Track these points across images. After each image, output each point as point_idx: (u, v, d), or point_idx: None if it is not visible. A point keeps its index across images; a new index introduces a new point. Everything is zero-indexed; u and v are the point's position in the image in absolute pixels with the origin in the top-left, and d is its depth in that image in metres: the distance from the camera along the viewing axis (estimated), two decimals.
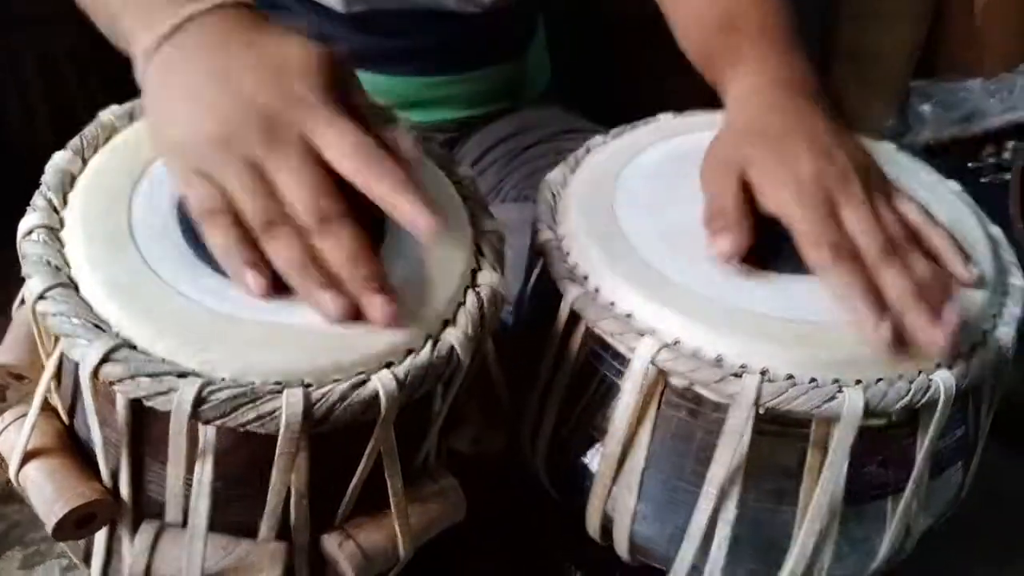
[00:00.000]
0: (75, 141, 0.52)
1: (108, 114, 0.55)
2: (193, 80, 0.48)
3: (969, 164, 1.25)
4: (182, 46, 0.49)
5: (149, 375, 0.43)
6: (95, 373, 0.44)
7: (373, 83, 0.87)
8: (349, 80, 0.52)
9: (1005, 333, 0.56)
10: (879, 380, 0.51)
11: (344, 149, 0.47)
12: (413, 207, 0.47)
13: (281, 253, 0.47)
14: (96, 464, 0.50)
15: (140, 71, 0.50)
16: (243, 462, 0.47)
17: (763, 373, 0.51)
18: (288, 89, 0.48)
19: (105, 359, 0.43)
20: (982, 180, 1.21)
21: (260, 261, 0.47)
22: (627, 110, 0.72)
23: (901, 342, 0.52)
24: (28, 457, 0.50)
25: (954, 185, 0.67)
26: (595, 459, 0.58)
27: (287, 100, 0.48)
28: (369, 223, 0.49)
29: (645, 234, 0.58)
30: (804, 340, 0.52)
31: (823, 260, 0.53)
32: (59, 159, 0.51)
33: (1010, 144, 1.21)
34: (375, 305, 0.47)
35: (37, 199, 0.49)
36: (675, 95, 0.73)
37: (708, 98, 0.68)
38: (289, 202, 0.47)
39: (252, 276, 0.47)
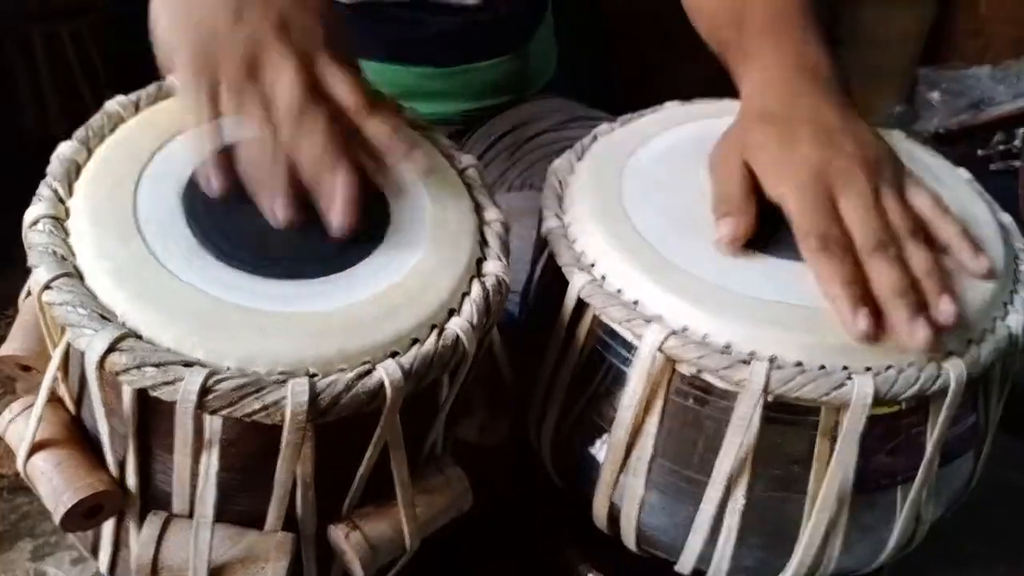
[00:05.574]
0: (81, 131, 0.52)
1: (114, 104, 0.55)
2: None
3: (978, 152, 1.24)
4: None
5: (155, 365, 0.43)
6: (101, 363, 0.43)
7: (378, 73, 0.87)
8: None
9: (1016, 320, 0.55)
10: (889, 367, 0.51)
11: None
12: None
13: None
14: (103, 454, 0.50)
15: None
16: (249, 452, 0.47)
17: (772, 360, 0.51)
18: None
19: (111, 349, 0.43)
20: (991, 167, 1.21)
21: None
22: (633, 99, 0.72)
23: (880, 335, 0.51)
24: (36, 448, 0.50)
25: (964, 173, 0.66)
26: (602, 449, 0.58)
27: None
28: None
29: (652, 221, 0.58)
30: (813, 326, 0.52)
31: (809, 249, 0.53)
32: (65, 149, 0.51)
33: (1019, 131, 1.21)
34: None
35: (43, 189, 0.49)
36: (682, 83, 0.73)
37: (716, 86, 0.68)
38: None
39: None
